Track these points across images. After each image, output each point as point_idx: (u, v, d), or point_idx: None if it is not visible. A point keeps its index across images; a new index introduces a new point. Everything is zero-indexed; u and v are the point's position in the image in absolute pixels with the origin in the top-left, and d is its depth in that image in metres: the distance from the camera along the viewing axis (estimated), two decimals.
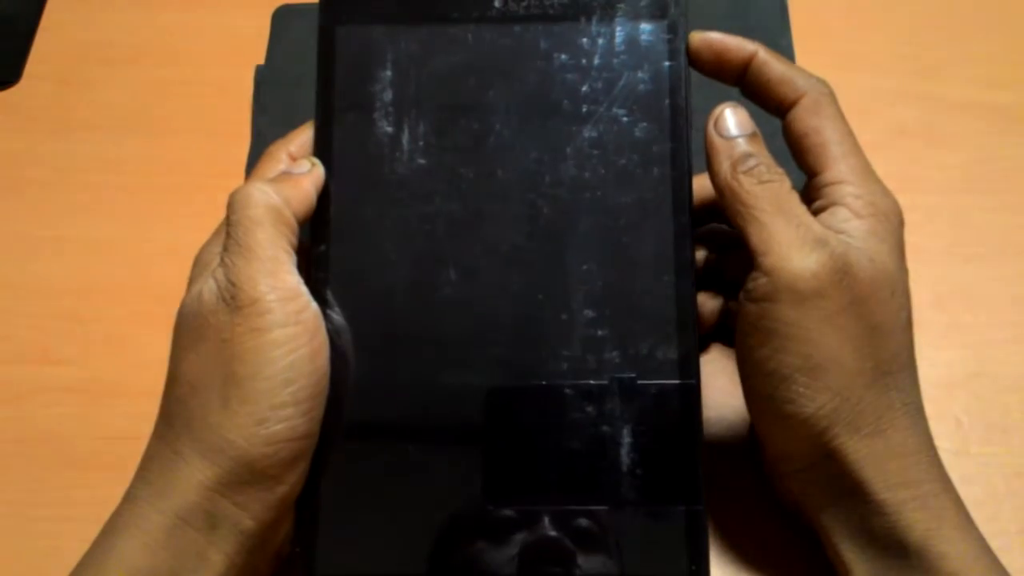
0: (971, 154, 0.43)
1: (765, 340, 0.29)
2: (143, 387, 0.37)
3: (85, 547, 0.29)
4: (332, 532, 0.31)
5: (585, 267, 0.32)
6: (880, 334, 0.29)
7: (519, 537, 0.31)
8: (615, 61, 0.33)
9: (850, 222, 0.29)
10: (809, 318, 0.28)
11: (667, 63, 0.33)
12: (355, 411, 0.32)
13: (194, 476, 0.28)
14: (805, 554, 0.33)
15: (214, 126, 0.45)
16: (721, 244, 0.37)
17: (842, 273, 0.28)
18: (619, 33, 0.33)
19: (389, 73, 0.33)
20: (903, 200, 0.31)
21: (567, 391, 0.31)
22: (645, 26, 0.33)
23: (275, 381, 0.28)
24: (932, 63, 0.45)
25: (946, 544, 0.27)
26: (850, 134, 0.31)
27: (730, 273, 0.35)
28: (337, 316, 0.32)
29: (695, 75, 0.33)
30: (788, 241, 0.28)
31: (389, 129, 0.33)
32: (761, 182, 0.30)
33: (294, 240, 0.31)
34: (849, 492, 0.29)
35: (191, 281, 0.31)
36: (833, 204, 0.30)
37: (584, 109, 0.33)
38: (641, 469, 0.31)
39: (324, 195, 0.32)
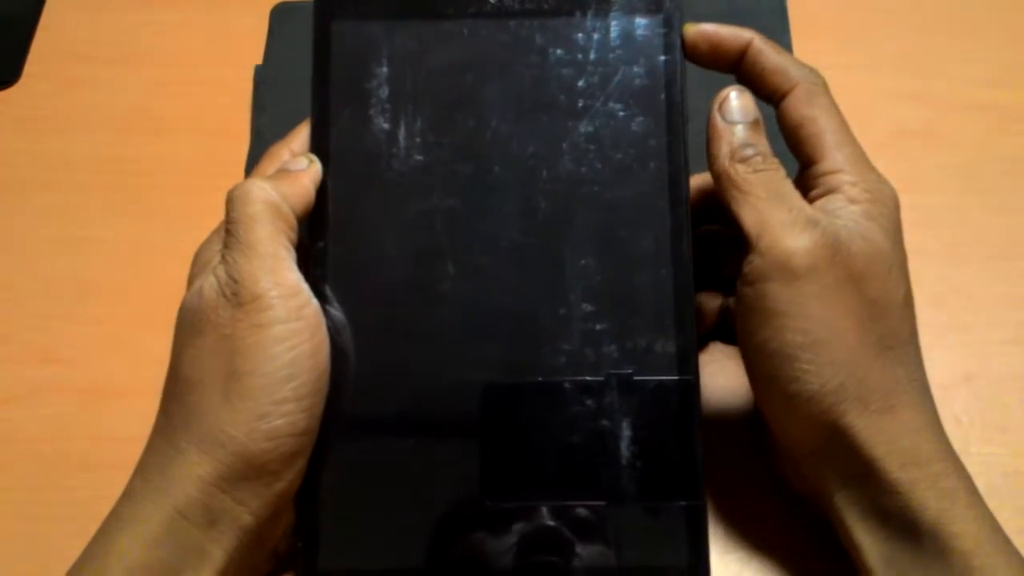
0: (971, 154, 0.43)
1: (764, 321, 0.29)
2: (143, 387, 0.36)
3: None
4: (333, 526, 0.31)
5: (583, 262, 0.32)
6: (879, 308, 0.29)
7: (518, 528, 0.31)
8: (611, 56, 0.33)
9: (845, 207, 0.30)
10: (805, 294, 0.29)
11: (663, 57, 0.33)
12: (354, 407, 0.32)
13: (193, 471, 0.28)
14: (806, 548, 0.33)
15: (214, 126, 0.45)
16: (719, 243, 0.37)
17: (834, 249, 0.29)
18: (614, 28, 0.33)
19: (385, 69, 0.33)
20: (903, 200, 0.31)
21: (566, 386, 0.31)
22: (640, 20, 0.33)
23: (276, 377, 0.29)
24: (932, 63, 0.45)
25: (959, 523, 0.27)
26: (844, 123, 0.31)
27: (728, 270, 0.35)
28: (336, 312, 0.32)
29: (693, 76, 0.33)
30: (780, 222, 0.29)
31: (386, 125, 0.33)
32: (756, 171, 0.30)
33: (293, 236, 0.31)
34: (861, 472, 0.29)
35: (191, 279, 0.32)
36: (829, 192, 0.30)
37: (580, 104, 0.33)
38: (640, 464, 0.31)
39: (322, 192, 0.32)
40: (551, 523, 0.31)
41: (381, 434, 0.32)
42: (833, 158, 0.30)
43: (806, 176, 0.31)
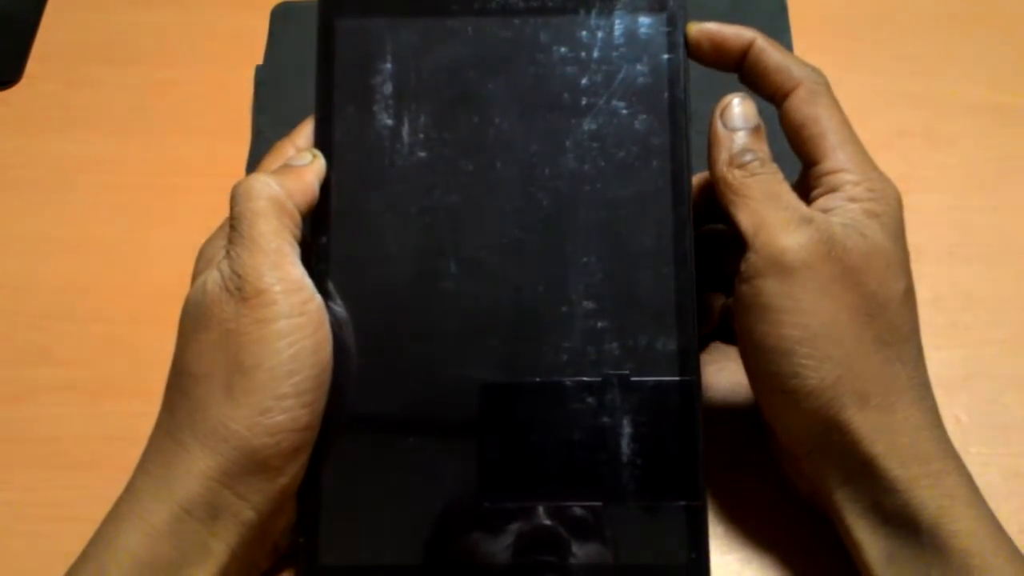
0: (971, 154, 0.43)
1: (761, 317, 0.29)
2: (143, 387, 0.36)
3: None
4: (334, 522, 0.31)
5: (584, 260, 0.32)
6: (877, 304, 0.29)
7: (518, 527, 0.31)
8: (614, 54, 0.33)
9: (845, 205, 0.30)
10: (800, 289, 0.29)
11: (666, 56, 0.33)
12: (356, 403, 0.32)
13: (196, 466, 0.28)
14: (807, 548, 0.34)
15: (214, 126, 0.45)
16: (722, 243, 0.37)
17: (829, 245, 0.29)
18: (618, 26, 0.33)
19: (389, 65, 0.33)
20: (903, 200, 0.31)
21: (567, 385, 0.31)
22: (644, 19, 0.33)
23: (279, 372, 0.29)
24: (932, 63, 0.45)
25: (958, 522, 0.28)
26: (846, 123, 0.31)
27: (730, 269, 0.36)
28: (339, 308, 0.32)
29: (696, 76, 0.33)
30: (775, 221, 0.29)
31: (389, 121, 0.33)
32: (753, 175, 0.30)
33: (297, 232, 0.31)
34: (861, 469, 0.29)
35: (195, 275, 0.32)
36: (831, 191, 0.31)
37: (583, 102, 0.33)
38: (641, 464, 0.31)
39: (325, 187, 0.32)
40: (551, 522, 0.31)
41: (382, 431, 0.32)
42: (835, 157, 0.31)
43: (809, 175, 0.32)
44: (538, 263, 0.32)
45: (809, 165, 0.32)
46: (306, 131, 0.34)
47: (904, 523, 0.28)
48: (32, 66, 0.47)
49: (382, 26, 0.33)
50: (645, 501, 0.31)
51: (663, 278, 0.32)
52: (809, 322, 0.29)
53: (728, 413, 0.36)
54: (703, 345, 0.38)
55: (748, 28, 0.32)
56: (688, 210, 0.32)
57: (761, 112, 0.32)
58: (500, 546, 0.31)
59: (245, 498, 0.29)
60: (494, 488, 0.31)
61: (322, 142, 0.33)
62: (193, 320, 0.30)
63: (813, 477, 0.31)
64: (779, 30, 0.45)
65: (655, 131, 0.32)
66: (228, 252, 0.30)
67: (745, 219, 0.30)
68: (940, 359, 0.38)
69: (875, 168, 0.31)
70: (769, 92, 0.32)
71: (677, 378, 0.31)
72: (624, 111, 0.33)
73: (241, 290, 0.29)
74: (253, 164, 0.42)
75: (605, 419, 0.31)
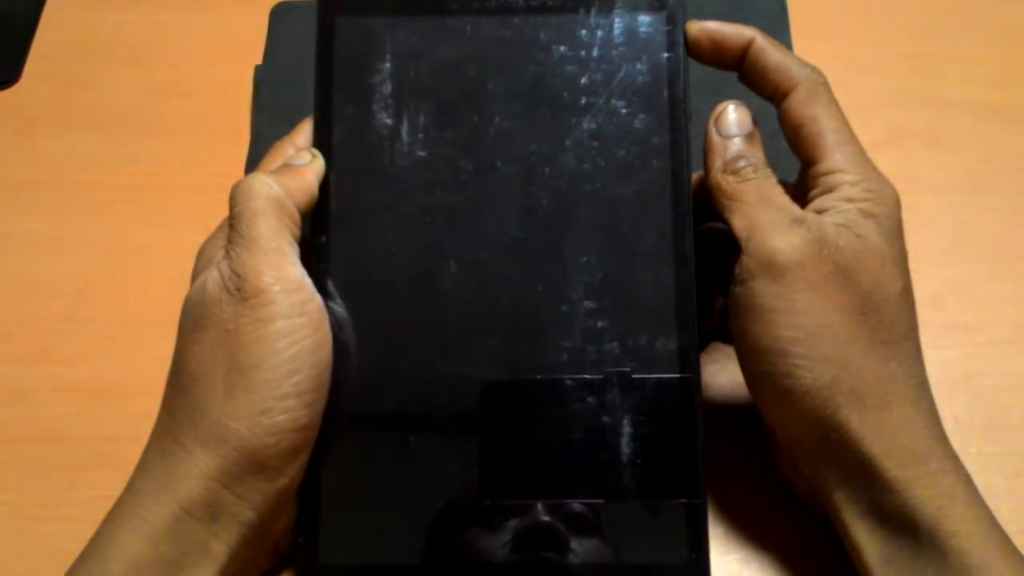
0: (971, 154, 0.43)
1: (756, 318, 0.29)
2: (143, 387, 0.37)
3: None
4: (334, 522, 0.31)
5: (584, 259, 0.32)
6: (872, 303, 0.29)
7: (518, 525, 0.31)
8: (614, 53, 0.33)
9: (841, 205, 0.30)
10: (793, 288, 0.29)
11: (666, 55, 0.33)
12: (356, 402, 0.32)
13: (196, 466, 0.28)
14: (807, 548, 0.34)
15: (214, 126, 0.45)
16: (722, 243, 0.37)
17: (821, 244, 0.29)
18: (618, 25, 0.33)
19: (388, 64, 0.33)
20: (903, 200, 0.31)
21: (567, 384, 0.31)
22: (643, 18, 0.33)
23: (279, 372, 0.29)
24: (932, 63, 0.45)
25: (957, 522, 0.27)
26: (845, 123, 0.31)
27: (727, 265, 0.36)
28: (338, 308, 0.32)
29: (696, 76, 0.33)
30: (767, 223, 0.30)
31: (388, 121, 0.33)
32: (746, 180, 0.31)
33: (296, 231, 0.31)
34: (858, 470, 0.29)
35: (195, 275, 0.32)
36: (829, 191, 0.31)
37: (583, 101, 0.33)
38: (641, 462, 0.31)
39: (324, 187, 0.32)
40: (551, 520, 0.31)
41: (382, 430, 0.32)
42: (833, 158, 0.31)
43: (807, 175, 0.32)
44: (538, 262, 0.32)
45: (807, 165, 0.32)
46: (305, 130, 0.34)
47: (902, 523, 0.28)
48: (31, 66, 0.47)
49: (381, 25, 0.33)
50: (645, 499, 0.31)
51: (663, 277, 0.32)
52: (803, 322, 0.29)
53: (728, 413, 0.36)
54: (703, 345, 0.38)
55: (748, 27, 0.32)
56: (688, 209, 0.32)
57: (761, 112, 0.32)
58: (500, 544, 0.31)
59: (245, 498, 0.29)
60: (494, 486, 0.31)
61: (321, 141, 0.33)
62: (193, 320, 0.30)
63: (811, 477, 0.31)
64: (779, 30, 0.45)
65: (655, 130, 0.32)
66: (228, 252, 0.30)
67: (739, 223, 0.30)
68: (940, 359, 0.38)
69: (873, 168, 0.31)
70: (768, 91, 0.32)
71: (677, 375, 0.31)
72: (624, 110, 0.33)
73: (241, 290, 0.29)
74: (252, 164, 0.42)
75: (605, 417, 0.31)
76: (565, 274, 0.32)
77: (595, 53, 0.33)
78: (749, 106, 0.32)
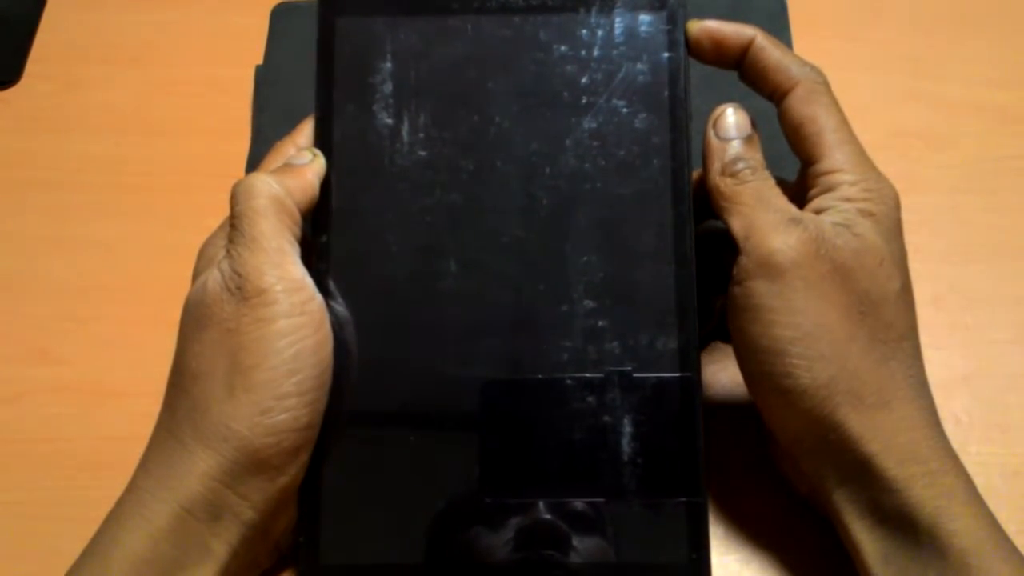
0: (971, 154, 0.43)
1: (754, 318, 0.29)
2: (143, 387, 0.37)
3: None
4: (335, 521, 0.31)
5: (585, 258, 0.32)
6: (870, 302, 0.29)
7: (519, 524, 0.31)
8: (614, 52, 0.33)
9: (840, 205, 0.30)
10: (791, 288, 0.29)
11: (666, 54, 0.33)
12: (357, 402, 0.32)
13: (197, 466, 0.28)
14: (807, 548, 0.34)
15: (214, 126, 0.45)
16: (723, 242, 0.37)
17: (818, 243, 0.29)
18: (618, 24, 0.33)
19: (389, 64, 0.33)
20: (903, 200, 0.31)
21: (568, 383, 0.31)
22: (644, 17, 0.33)
23: (280, 371, 0.29)
24: (932, 63, 0.45)
25: (956, 521, 0.27)
26: (844, 122, 0.31)
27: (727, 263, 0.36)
28: (339, 307, 0.32)
29: (696, 76, 0.33)
30: (764, 223, 0.30)
31: (389, 120, 0.33)
32: (744, 182, 0.31)
33: (297, 231, 0.31)
34: (859, 469, 0.29)
35: (196, 274, 0.32)
36: (828, 191, 0.31)
37: (584, 100, 0.33)
38: (641, 461, 0.31)
39: (325, 186, 0.32)
40: (552, 519, 0.31)
41: (383, 430, 0.32)
42: (833, 157, 0.31)
43: (807, 175, 0.32)
44: (538, 261, 0.32)
45: (807, 164, 0.32)
46: (306, 130, 0.34)
47: (902, 523, 0.28)
48: (31, 66, 0.47)
49: (382, 25, 0.33)
50: (646, 497, 0.31)
51: (664, 276, 0.32)
52: (800, 322, 0.29)
53: (729, 412, 0.36)
54: (703, 344, 0.38)
55: (748, 26, 0.32)
56: (688, 208, 0.32)
57: (761, 112, 0.32)
58: (501, 542, 0.31)
59: (246, 498, 0.29)
60: (495, 485, 0.31)
61: (322, 141, 0.33)
62: (194, 319, 0.30)
63: (811, 477, 0.31)
64: (779, 30, 0.45)
65: (655, 129, 0.32)
66: (228, 251, 0.30)
67: (737, 224, 0.30)
68: (940, 359, 0.38)
69: (873, 168, 0.31)
70: (768, 91, 0.32)
71: (678, 375, 0.31)
72: (624, 109, 0.33)
73: (242, 289, 0.29)
74: (253, 163, 0.42)
75: (606, 416, 0.31)
76: (566, 273, 0.32)
77: (595, 52, 0.33)
78: (748, 108, 0.32)
